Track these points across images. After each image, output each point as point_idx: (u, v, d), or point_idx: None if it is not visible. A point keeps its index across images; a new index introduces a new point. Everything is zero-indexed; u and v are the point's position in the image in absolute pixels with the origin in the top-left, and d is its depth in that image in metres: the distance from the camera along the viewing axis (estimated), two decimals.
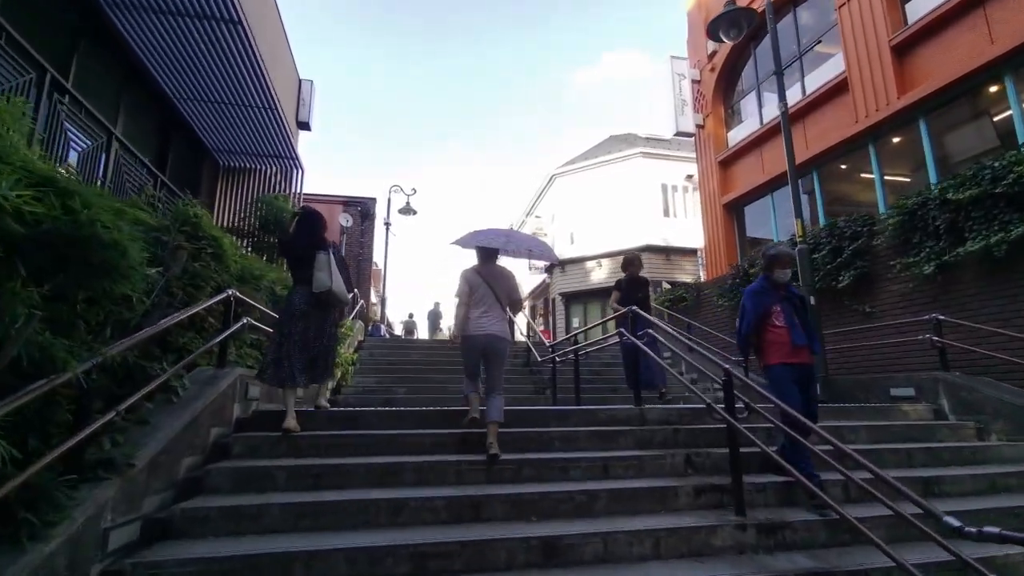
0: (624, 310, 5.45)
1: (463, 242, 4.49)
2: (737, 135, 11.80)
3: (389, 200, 20.17)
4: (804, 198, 10.37)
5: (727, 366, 3.66)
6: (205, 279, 4.52)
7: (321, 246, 4.24)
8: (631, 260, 6.97)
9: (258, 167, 9.96)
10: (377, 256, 23.11)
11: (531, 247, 4.94)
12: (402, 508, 3.22)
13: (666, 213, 20.06)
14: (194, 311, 3.94)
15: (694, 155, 21.45)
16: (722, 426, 4.76)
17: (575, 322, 20.78)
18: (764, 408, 3.87)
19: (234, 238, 7.72)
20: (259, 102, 7.96)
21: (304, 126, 16.37)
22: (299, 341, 4.05)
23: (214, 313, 4.54)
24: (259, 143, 9.18)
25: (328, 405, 4.71)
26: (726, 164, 11.90)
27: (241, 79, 7.36)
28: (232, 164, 9.83)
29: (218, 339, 4.18)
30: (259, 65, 7.22)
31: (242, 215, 9.19)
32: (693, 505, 3.60)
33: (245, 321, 4.43)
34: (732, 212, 11.78)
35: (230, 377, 4.08)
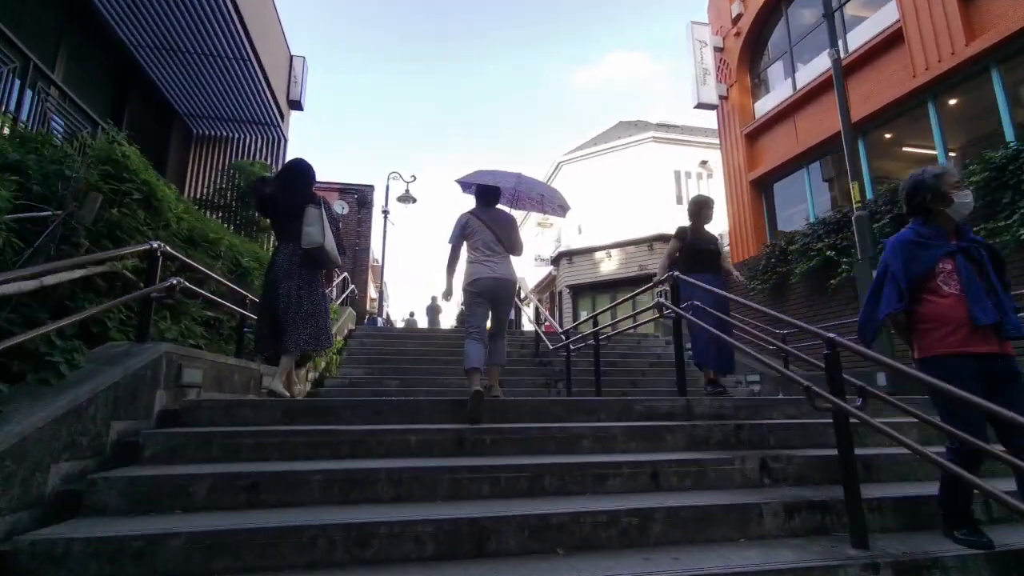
0: (666, 275, 4.33)
1: (469, 179, 4.11)
2: (765, 105, 10.74)
3: (387, 187, 19.20)
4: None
5: (832, 335, 2.58)
6: (128, 231, 3.49)
7: (311, 200, 3.85)
8: (702, 204, 5.13)
9: (237, 135, 8.95)
10: (376, 248, 22.10)
11: (543, 192, 4.49)
12: (370, 538, 2.19)
13: (679, 201, 18.97)
14: (97, 261, 2.91)
15: (708, 140, 20.57)
16: (798, 421, 3.79)
17: (583, 316, 19.73)
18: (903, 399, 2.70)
19: (210, 213, 6.72)
20: (229, 51, 6.95)
21: (296, 105, 15.34)
22: (285, 305, 3.72)
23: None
24: (236, 106, 8.17)
25: (284, 391, 3.81)
26: (753, 137, 10.83)
27: (206, 21, 6.35)
28: (207, 132, 8.83)
29: (125, 298, 3.14)
30: (226, 5, 6.21)
31: (218, 186, 8.17)
32: (785, 530, 2.55)
33: (175, 282, 3.40)
34: (760, 189, 10.72)
35: (149, 354, 3.05)
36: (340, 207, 17.63)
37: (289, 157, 12.60)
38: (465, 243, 3.98)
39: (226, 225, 7.79)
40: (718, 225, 16.58)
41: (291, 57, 15.24)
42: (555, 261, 20.83)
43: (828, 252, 7.25)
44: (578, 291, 19.90)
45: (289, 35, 9.89)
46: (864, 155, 8.61)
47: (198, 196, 8.22)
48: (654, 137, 19.36)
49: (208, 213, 8.01)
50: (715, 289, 4.29)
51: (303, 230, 3.72)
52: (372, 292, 23.13)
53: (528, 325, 10.99)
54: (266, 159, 9.06)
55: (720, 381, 4.93)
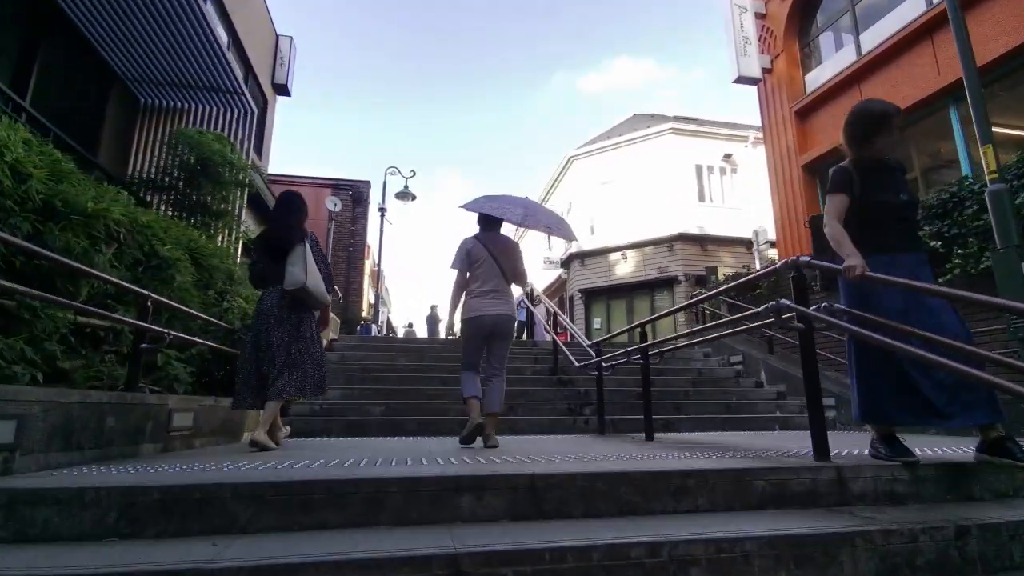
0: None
1: (474, 206, 3.91)
2: (819, 76, 9.19)
3: (384, 183, 17.70)
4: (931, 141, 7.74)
5: None
6: None
7: (297, 236, 3.65)
8: (880, 119, 2.65)
9: (194, 105, 7.44)
10: (375, 248, 20.62)
11: (550, 223, 4.18)
12: None
13: (701, 198, 17.44)
14: None
15: (731, 132, 19.00)
16: None
17: (596, 322, 18.18)
18: None
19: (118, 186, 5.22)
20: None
21: (282, 90, 13.93)
22: (274, 353, 3.51)
23: None
24: (189, 67, 6.65)
25: (268, 441, 3.46)
26: (804, 114, 9.28)
27: None
28: (157, 101, 7.32)
29: None
30: None
31: (161, 164, 6.64)
32: None
33: None
34: (814, 175, 9.14)
35: None
36: (332, 203, 16.17)
37: (274, 145, 10.98)
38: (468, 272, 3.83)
39: (171, 212, 6.26)
40: (760, 219, 15.00)
41: (277, 36, 13.85)
42: (565, 263, 19.27)
43: (932, 243, 5.67)
44: (591, 296, 18.32)
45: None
46: (956, 121, 7.02)
47: (146, 176, 6.69)
48: (673, 129, 17.81)
49: (152, 197, 6.49)
50: (918, 284, 2.37)
51: (286, 270, 3.51)
52: (371, 296, 21.54)
53: (544, 335, 9.42)
54: (234, 135, 7.52)
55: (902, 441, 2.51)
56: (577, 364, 5.81)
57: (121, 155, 7.02)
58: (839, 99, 8.66)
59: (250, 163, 7.40)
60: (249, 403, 3.59)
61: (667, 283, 16.63)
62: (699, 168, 17.62)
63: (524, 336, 10.73)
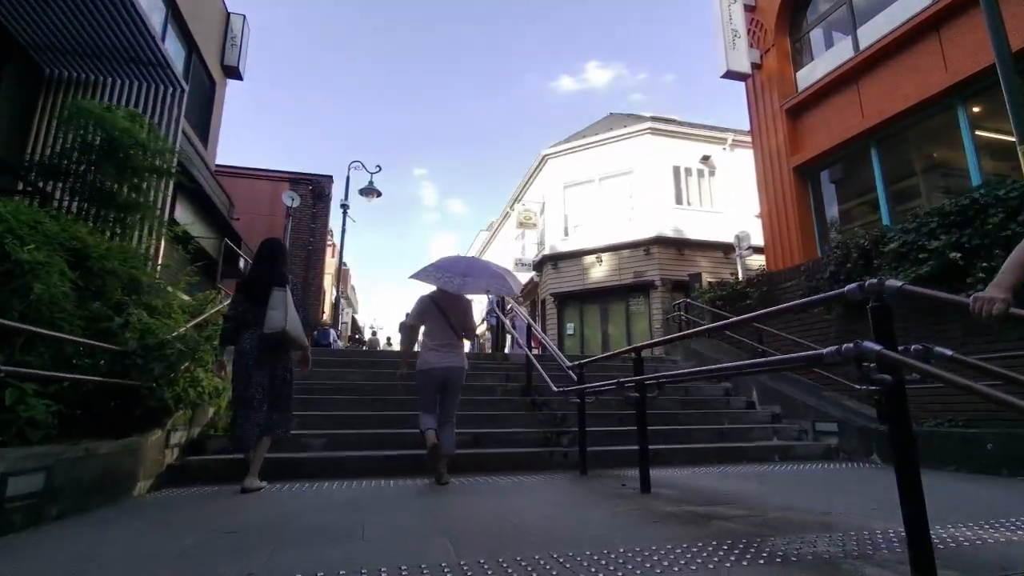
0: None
1: (422, 276, 4.27)
2: (812, 73, 8.64)
3: (348, 179, 16.63)
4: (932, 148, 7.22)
5: None
6: None
7: (279, 281, 3.72)
8: None
9: (110, 79, 6.34)
10: (346, 254, 19.56)
11: (489, 285, 4.46)
12: None
13: (679, 200, 16.90)
14: None
15: (709, 134, 18.56)
16: None
17: (569, 328, 17.50)
18: None
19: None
20: None
21: (233, 73, 12.74)
22: (257, 394, 3.61)
23: None
24: (101, 32, 5.59)
25: (260, 483, 3.59)
26: (796, 113, 8.71)
27: None
28: (66, 73, 6.22)
29: None
30: None
31: (62, 146, 5.53)
32: None
33: None
34: (806, 178, 8.58)
35: None
36: (289, 199, 14.99)
37: (228, 134, 9.88)
38: (423, 326, 4.22)
39: (73, 204, 5.20)
40: (739, 223, 14.49)
41: (228, 14, 12.66)
42: (538, 266, 18.53)
43: (950, 254, 5.08)
44: (564, 300, 17.61)
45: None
46: (965, 123, 6.50)
47: (53, 160, 5.59)
48: (651, 128, 17.24)
49: (54, 185, 5.41)
50: None
51: (267, 314, 3.61)
52: (332, 296, 20.30)
53: (517, 348, 8.59)
54: (159, 115, 6.44)
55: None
56: (556, 389, 5.01)
57: (18, 136, 5.91)
58: (834, 98, 8.11)
59: (179, 149, 6.35)
60: (248, 447, 3.62)
61: (643, 288, 16.05)
62: (677, 170, 17.09)
63: (494, 347, 9.92)
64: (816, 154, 8.24)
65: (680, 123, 18.47)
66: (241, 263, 10.68)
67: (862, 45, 7.67)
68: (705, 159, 17.23)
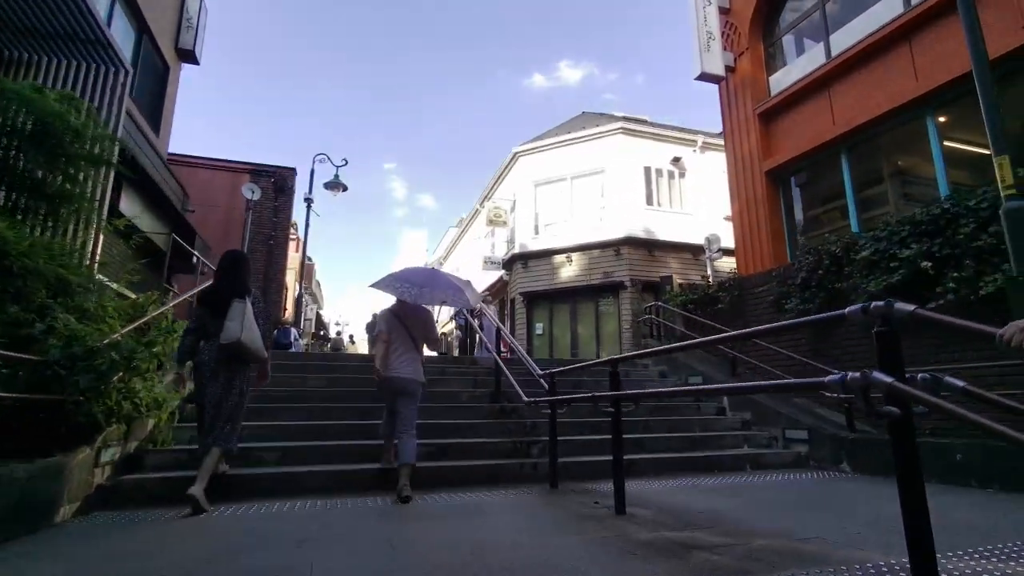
0: None
1: (381, 286, 4.49)
2: (784, 79, 8.65)
3: (312, 171, 16.07)
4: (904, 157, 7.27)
5: None
6: None
7: (239, 293, 3.71)
8: None
9: (45, 58, 5.80)
10: (311, 249, 18.93)
11: (446, 296, 4.77)
12: None
13: (649, 201, 16.91)
14: None
15: (680, 136, 18.64)
16: None
17: (538, 327, 17.34)
18: None
19: None
20: None
21: (188, 57, 12.08)
22: (213, 403, 3.61)
23: None
24: (35, 7, 5.07)
25: (202, 496, 3.37)
26: (769, 117, 8.70)
27: None
28: None
29: None
30: None
31: None
32: None
33: None
34: (778, 183, 8.59)
35: None
36: (249, 191, 14.33)
37: (185, 123, 9.34)
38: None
39: None
40: (709, 225, 14.56)
41: None
42: (507, 264, 18.30)
43: (922, 263, 5.07)
44: (533, 299, 17.44)
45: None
46: (935, 136, 6.55)
47: None
48: (623, 128, 17.20)
49: None
50: None
51: (224, 325, 3.56)
52: (296, 291, 19.61)
53: (485, 352, 8.34)
54: (100, 100, 5.92)
55: None
56: (527, 399, 4.79)
57: None
58: (806, 103, 8.12)
59: (122, 135, 5.87)
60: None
61: (613, 289, 16.01)
62: (648, 170, 17.09)
63: (464, 350, 9.65)
64: (788, 159, 8.25)
65: (651, 124, 18.50)
66: (195, 258, 10.12)
67: (834, 52, 7.69)
68: (676, 160, 17.29)
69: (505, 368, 5.86)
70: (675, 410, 6.73)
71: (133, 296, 6.10)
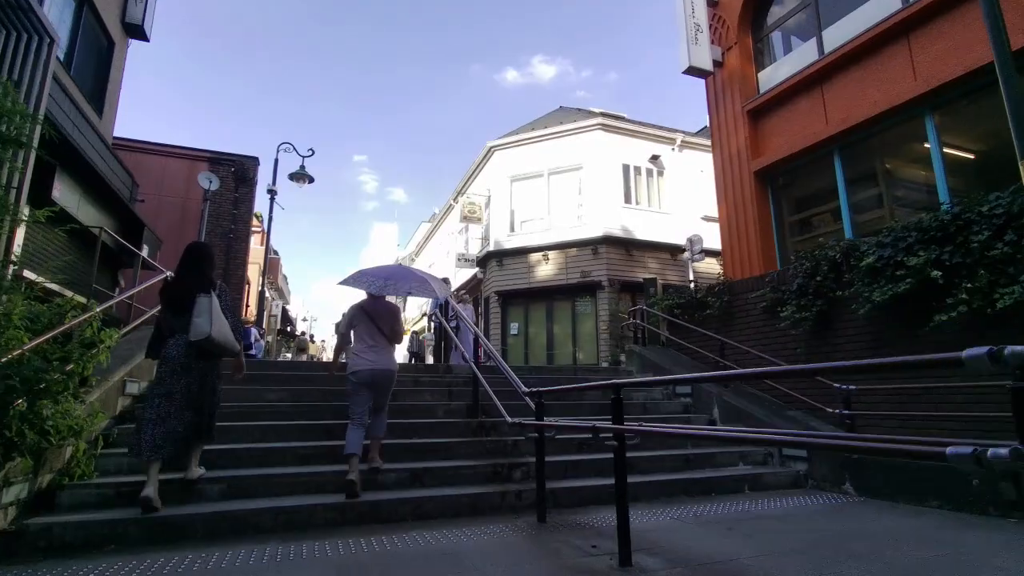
0: None
1: (349, 282, 4.59)
2: (774, 75, 8.33)
3: (276, 161, 15.21)
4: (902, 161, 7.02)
5: None
6: None
7: (203, 287, 3.64)
8: None
9: None
10: (276, 244, 17.99)
11: (412, 287, 4.83)
12: None
13: (627, 199, 16.59)
14: None
15: (659, 134, 18.34)
16: None
17: (513, 328, 16.86)
18: None
19: None
20: None
21: (136, 32, 11.07)
22: (180, 400, 3.53)
23: None
24: None
25: (200, 471, 3.78)
26: (759, 115, 8.38)
27: None
28: None
29: None
30: None
31: None
32: None
33: None
34: (767, 184, 8.27)
35: None
36: (207, 180, 13.39)
37: (134, 103, 8.59)
38: (352, 331, 4.42)
39: None
40: (694, 225, 14.27)
41: None
42: (482, 262, 17.75)
43: (931, 272, 4.76)
44: (508, 298, 16.95)
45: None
46: (934, 137, 6.29)
47: None
48: (602, 124, 16.81)
49: None
50: None
51: (192, 321, 3.52)
52: (258, 289, 18.58)
53: (461, 358, 7.79)
54: (19, 73, 5.12)
55: None
56: (511, 421, 4.28)
57: None
58: (797, 101, 7.82)
59: (45, 113, 5.11)
60: (170, 451, 3.47)
61: (591, 288, 15.64)
62: (626, 168, 16.76)
63: (440, 357, 9.07)
64: (778, 158, 7.94)
65: (630, 121, 18.16)
66: (145, 251, 9.26)
67: (828, 48, 7.39)
68: (655, 159, 17.01)
69: (485, 382, 5.33)
70: (664, 423, 6.31)
71: (70, 295, 5.36)
